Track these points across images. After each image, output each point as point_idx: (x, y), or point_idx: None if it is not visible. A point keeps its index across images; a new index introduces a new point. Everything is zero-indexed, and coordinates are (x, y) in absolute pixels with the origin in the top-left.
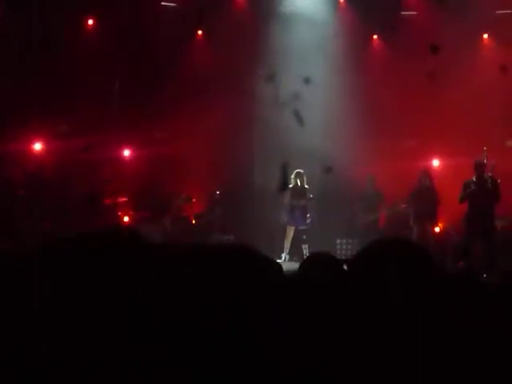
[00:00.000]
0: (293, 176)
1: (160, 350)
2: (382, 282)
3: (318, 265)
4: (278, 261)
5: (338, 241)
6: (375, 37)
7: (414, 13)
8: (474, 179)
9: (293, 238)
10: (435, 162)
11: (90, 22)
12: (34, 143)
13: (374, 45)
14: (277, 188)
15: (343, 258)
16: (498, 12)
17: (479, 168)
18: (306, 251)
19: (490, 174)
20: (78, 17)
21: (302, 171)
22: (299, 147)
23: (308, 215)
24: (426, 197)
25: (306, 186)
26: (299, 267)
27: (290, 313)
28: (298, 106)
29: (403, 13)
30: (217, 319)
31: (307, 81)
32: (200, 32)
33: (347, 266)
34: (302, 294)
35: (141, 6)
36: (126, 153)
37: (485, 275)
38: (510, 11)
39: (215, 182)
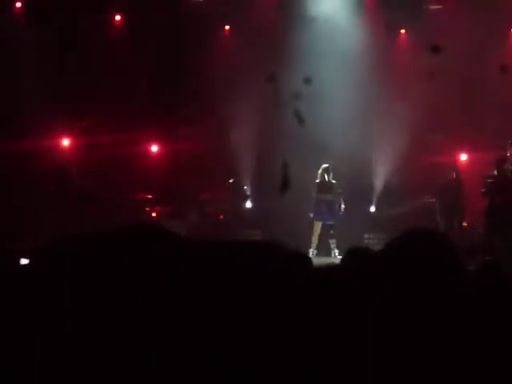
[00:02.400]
0: (320, 171)
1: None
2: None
3: (359, 259)
4: None
5: (366, 235)
6: (402, 31)
7: (441, 6)
8: (495, 173)
9: (320, 233)
10: (463, 157)
11: (118, 18)
12: (61, 139)
13: (400, 39)
14: (278, 188)
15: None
16: None
17: (499, 162)
18: (333, 246)
19: (510, 168)
20: (105, 14)
21: (329, 166)
22: (325, 143)
23: (342, 206)
24: (453, 191)
25: (333, 181)
26: (341, 261)
27: (327, 306)
28: (323, 102)
29: (430, 7)
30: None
31: (308, 81)
32: (227, 27)
33: (378, 257)
34: (345, 287)
35: (167, 2)
36: (154, 149)
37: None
38: None
39: (243, 177)
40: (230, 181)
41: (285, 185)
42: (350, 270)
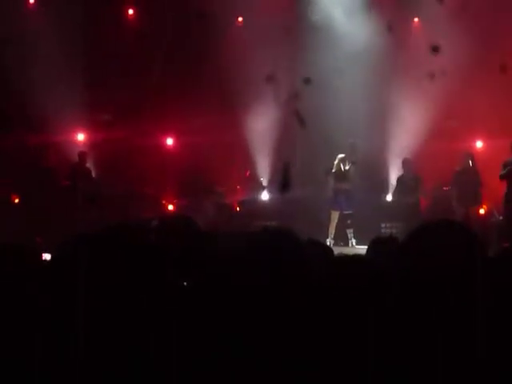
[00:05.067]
0: (336, 161)
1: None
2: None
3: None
4: None
5: (383, 224)
6: (416, 20)
7: None
8: None
9: (337, 222)
10: (478, 144)
11: (131, 11)
12: (76, 134)
13: (414, 28)
14: (278, 188)
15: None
16: None
17: None
18: (350, 236)
19: None
20: (118, 6)
21: (344, 156)
22: (342, 132)
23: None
24: (469, 178)
25: (351, 171)
26: (367, 250)
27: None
28: (342, 94)
29: None
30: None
31: (307, 81)
32: (240, 19)
33: (399, 249)
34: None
35: None
36: (169, 141)
37: None
38: None
39: (259, 169)
40: (247, 172)
41: (285, 185)
42: (375, 260)
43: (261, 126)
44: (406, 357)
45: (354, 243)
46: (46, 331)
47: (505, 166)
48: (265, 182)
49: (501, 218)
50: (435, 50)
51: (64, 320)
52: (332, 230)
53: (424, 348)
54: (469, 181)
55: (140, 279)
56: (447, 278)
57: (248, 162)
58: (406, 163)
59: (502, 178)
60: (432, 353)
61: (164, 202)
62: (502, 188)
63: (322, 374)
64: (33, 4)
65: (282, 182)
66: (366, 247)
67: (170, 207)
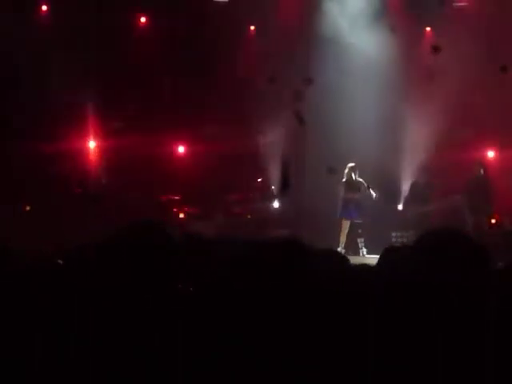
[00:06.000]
0: (347, 170)
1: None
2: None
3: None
4: None
5: (394, 234)
6: (428, 29)
7: (466, 4)
8: None
9: (348, 231)
10: (490, 154)
11: (143, 19)
12: (88, 141)
13: (426, 37)
14: (279, 188)
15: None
16: None
17: None
18: (361, 245)
19: None
20: (131, 15)
21: (354, 164)
22: (350, 142)
23: (374, 195)
24: (480, 188)
25: (360, 179)
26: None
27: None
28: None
29: (455, 4)
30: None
31: (308, 81)
32: (252, 28)
33: (400, 257)
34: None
35: (192, 3)
36: (181, 149)
37: None
38: None
39: (268, 178)
40: (258, 180)
41: (285, 184)
42: (387, 270)
43: (272, 135)
44: (406, 362)
45: (364, 252)
46: (48, 331)
47: None
48: (275, 191)
49: (509, 227)
50: (436, 50)
51: (68, 320)
52: (343, 239)
53: (424, 355)
54: (480, 190)
55: (145, 280)
56: (448, 287)
57: (259, 170)
58: (420, 171)
59: None
60: (432, 361)
61: (175, 209)
62: None
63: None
64: (45, 12)
65: (282, 180)
66: (378, 256)
67: (181, 215)
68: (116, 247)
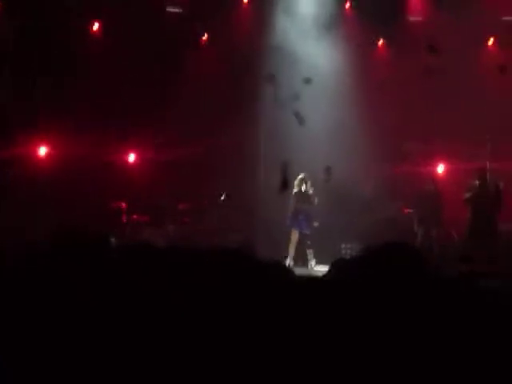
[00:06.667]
0: (297, 181)
1: (160, 351)
2: (378, 285)
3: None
4: None
5: (343, 245)
6: (380, 42)
7: (420, 18)
8: (477, 183)
9: (297, 243)
10: (440, 167)
11: (95, 27)
12: (37, 149)
13: (379, 50)
14: (279, 187)
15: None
16: (504, 18)
17: (482, 173)
18: (310, 257)
19: (498, 182)
20: (84, 22)
21: (305, 176)
22: (303, 152)
23: (315, 200)
24: (430, 201)
25: (311, 191)
26: (327, 273)
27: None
28: (299, 109)
29: (410, 18)
30: (214, 322)
31: (307, 81)
32: (205, 36)
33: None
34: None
35: (146, 12)
36: (131, 158)
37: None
38: None
39: (221, 186)
40: (222, 198)
41: (284, 183)
42: (334, 282)
43: (224, 142)
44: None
45: (313, 265)
46: (50, 331)
47: (469, 190)
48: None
49: (457, 239)
50: (432, 50)
51: (67, 320)
52: (291, 251)
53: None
54: (430, 203)
55: (144, 281)
56: (390, 298)
57: (209, 178)
58: (369, 183)
59: (466, 202)
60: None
61: (123, 217)
62: (464, 211)
63: None
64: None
65: (282, 180)
66: (327, 268)
67: (128, 223)
68: (34, 256)
